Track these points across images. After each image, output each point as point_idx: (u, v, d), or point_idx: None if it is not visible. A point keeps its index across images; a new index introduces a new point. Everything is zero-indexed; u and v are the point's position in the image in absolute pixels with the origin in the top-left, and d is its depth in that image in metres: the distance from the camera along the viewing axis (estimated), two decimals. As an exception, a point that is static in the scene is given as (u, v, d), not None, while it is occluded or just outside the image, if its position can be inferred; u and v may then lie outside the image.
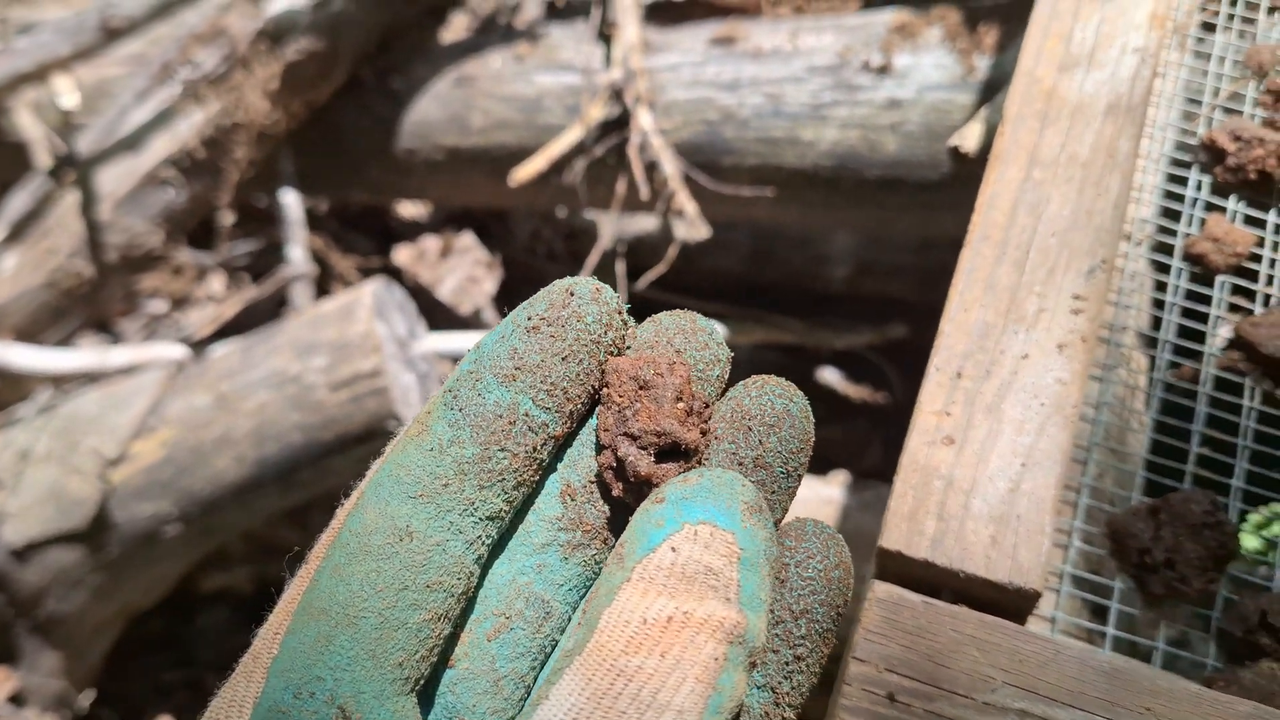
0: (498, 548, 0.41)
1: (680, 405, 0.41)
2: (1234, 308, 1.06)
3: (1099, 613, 0.92)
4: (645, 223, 2.41)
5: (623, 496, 0.41)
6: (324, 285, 2.02)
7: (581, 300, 0.41)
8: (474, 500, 0.39)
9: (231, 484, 1.62)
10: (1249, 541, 0.99)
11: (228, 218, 2.20)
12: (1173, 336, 1.03)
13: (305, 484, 1.63)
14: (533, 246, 2.42)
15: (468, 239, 2.12)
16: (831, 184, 1.71)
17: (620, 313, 0.42)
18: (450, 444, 0.39)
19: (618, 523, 0.42)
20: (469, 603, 0.40)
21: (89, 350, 1.73)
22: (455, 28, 2.01)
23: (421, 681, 0.38)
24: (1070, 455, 0.80)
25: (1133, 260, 1.04)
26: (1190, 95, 1.14)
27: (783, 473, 0.42)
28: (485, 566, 0.40)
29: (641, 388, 0.41)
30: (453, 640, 0.40)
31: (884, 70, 1.62)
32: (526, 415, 0.40)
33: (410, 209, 2.45)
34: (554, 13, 1.97)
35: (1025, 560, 0.76)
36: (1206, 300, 1.04)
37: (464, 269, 2.07)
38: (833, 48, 1.68)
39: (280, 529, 1.91)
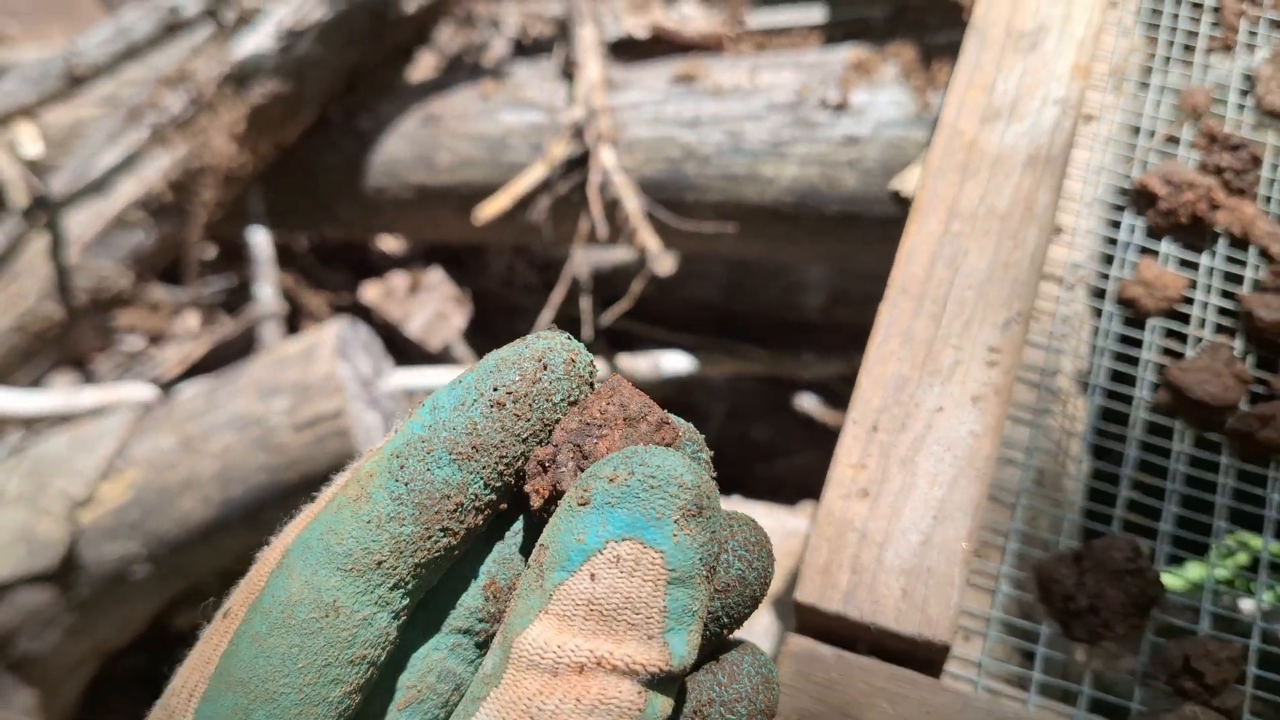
0: (416, 610, 0.40)
1: None
2: (1166, 351, 1.07)
3: (1030, 657, 0.93)
4: (622, 254, 2.43)
5: (532, 496, 0.39)
6: (295, 323, 2.04)
7: (553, 374, 0.39)
8: (405, 577, 0.37)
9: (198, 525, 1.63)
10: (1176, 582, 1.00)
11: (205, 254, 2.22)
12: (1104, 381, 1.04)
13: (271, 523, 1.63)
14: (509, 279, 2.44)
15: (436, 275, 2.14)
16: (793, 219, 1.72)
17: (590, 381, 0.40)
18: (390, 520, 0.37)
19: None
20: (387, 664, 0.39)
21: (58, 392, 1.75)
22: (423, 67, 2.03)
23: None
24: (981, 507, 0.81)
25: (1065, 304, 1.05)
26: (1126, 139, 1.15)
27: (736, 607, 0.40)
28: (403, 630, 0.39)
29: (627, 420, 0.38)
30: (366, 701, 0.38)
31: (841, 107, 1.64)
32: (475, 496, 0.38)
33: (390, 243, 2.47)
34: (521, 51, 2.00)
35: (935, 613, 0.77)
36: (1138, 344, 1.05)
37: (433, 305, 2.09)
38: (791, 85, 1.69)
39: (250, 567, 1.92)
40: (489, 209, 1.76)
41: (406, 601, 0.38)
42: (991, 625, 0.92)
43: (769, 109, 1.69)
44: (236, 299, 2.11)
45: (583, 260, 2.45)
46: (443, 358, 2.07)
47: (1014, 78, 0.96)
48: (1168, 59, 1.21)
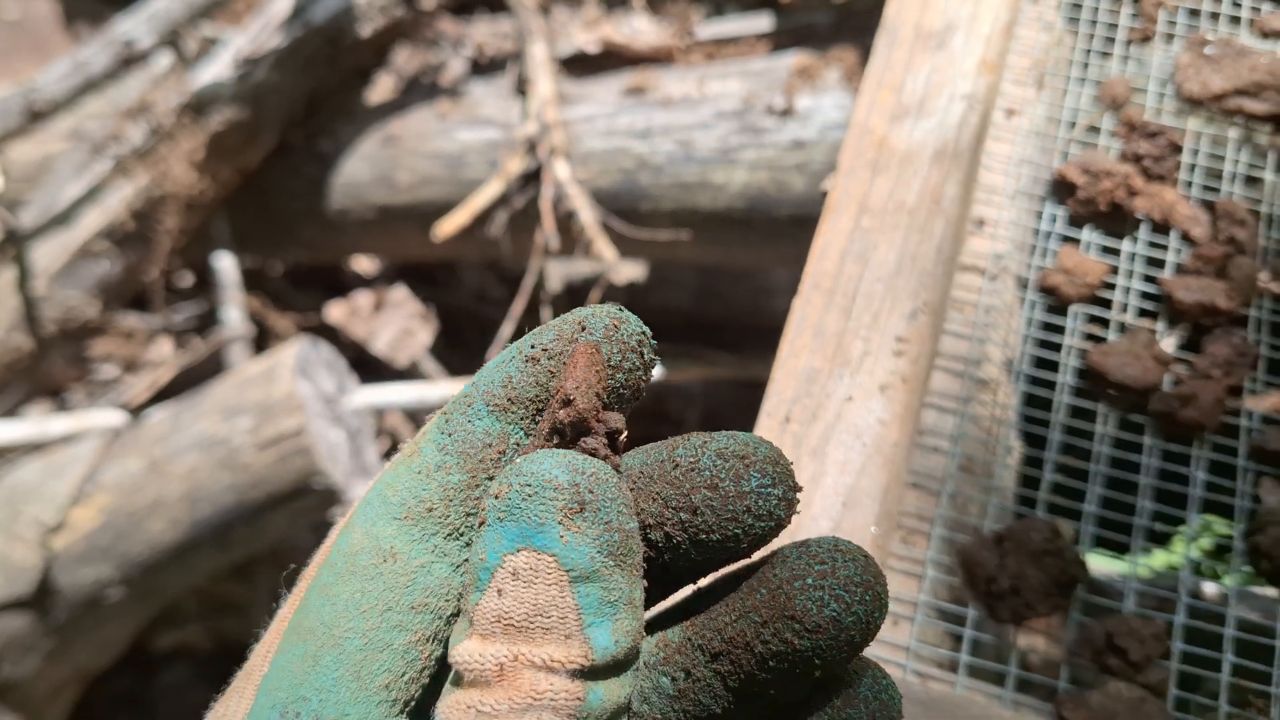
0: None
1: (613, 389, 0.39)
2: (1090, 337, 1.09)
3: (959, 640, 0.94)
4: (595, 264, 2.45)
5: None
6: (263, 344, 2.07)
7: (591, 336, 0.39)
8: (459, 526, 0.38)
9: (169, 546, 1.65)
10: (1100, 563, 1.01)
11: (181, 281, 2.24)
12: (1028, 367, 1.06)
13: (242, 542, 1.66)
14: (482, 294, 2.46)
15: (401, 292, 2.17)
16: (746, 224, 1.75)
17: (639, 350, 0.40)
18: (438, 469, 0.38)
19: None
20: None
21: (30, 421, 1.77)
22: (381, 88, 2.06)
23: (412, 704, 0.38)
24: (891, 493, 0.83)
25: (988, 295, 1.07)
26: (1049, 131, 1.18)
27: None
28: None
29: (588, 358, 0.38)
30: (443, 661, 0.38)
31: (787, 113, 1.67)
32: (517, 445, 0.39)
33: (364, 263, 2.50)
34: (477, 69, 2.03)
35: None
36: (1061, 330, 1.07)
37: (398, 322, 2.11)
38: (738, 93, 1.72)
39: (228, 584, 1.94)
40: (447, 226, 1.79)
41: (466, 555, 0.38)
42: (919, 610, 0.94)
43: (717, 117, 1.72)
44: (208, 323, 2.14)
45: (554, 272, 2.47)
46: (410, 374, 2.10)
47: (922, 75, 0.98)
48: (1088, 51, 1.23)
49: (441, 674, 0.38)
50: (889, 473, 0.82)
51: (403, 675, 0.37)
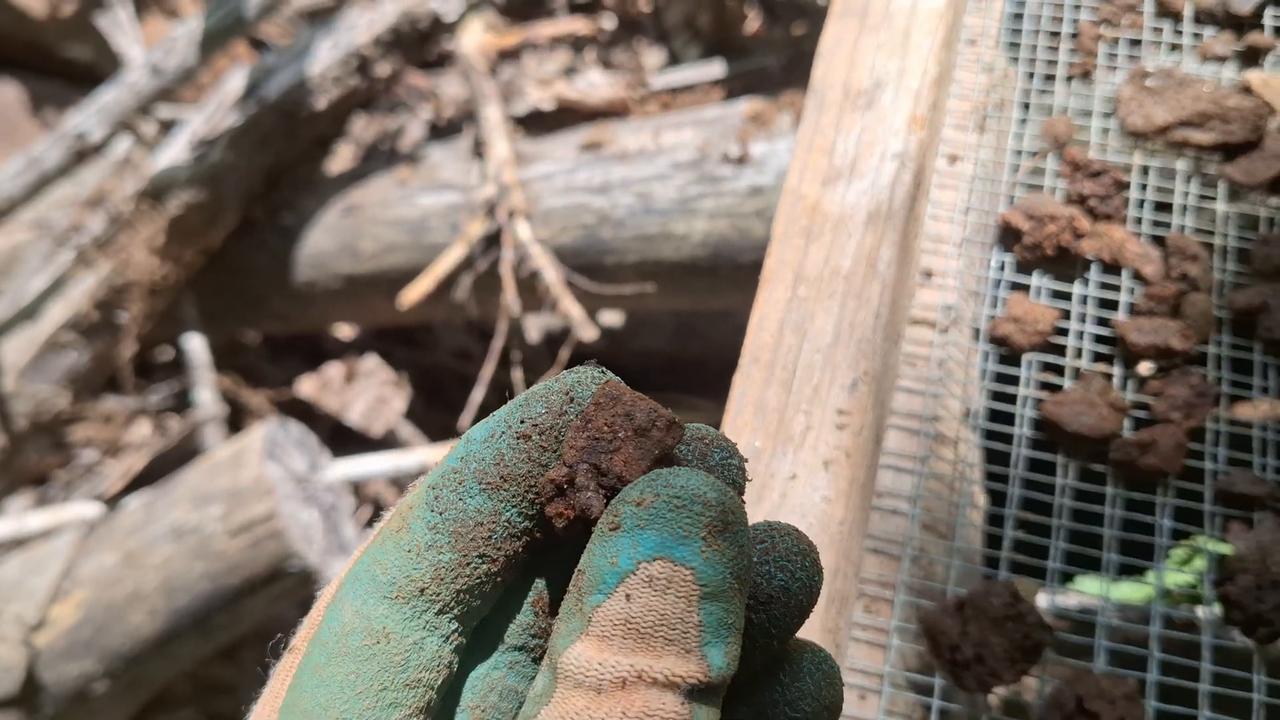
0: (475, 639, 0.41)
1: (659, 466, 0.39)
2: (1045, 385, 1.07)
3: (928, 710, 0.92)
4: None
5: (555, 520, 0.39)
6: (238, 422, 2.06)
7: (579, 407, 0.40)
8: (450, 603, 0.39)
9: (149, 637, 1.64)
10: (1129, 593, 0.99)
11: (160, 358, 2.24)
12: (985, 421, 1.04)
13: (223, 628, 1.65)
14: (462, 351, 2.46)
15: (372, 361, 2.16)
16: (711, 272, 1.74)
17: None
18: (428, 548, 0.39)
19: None
20: (451, 688, 0.40)
21: (7, 518, 1.76)
22: (341, 157, 2.06)
23: None
24: (841, 573, 0.81)
25: (940, 348, 1.06)
26: (993, 175, 1.16)
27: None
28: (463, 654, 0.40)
29: (636, 431, 0.39)
30: None
31: (743, 160, 1.66)
32: (508, 523, 0.39)
33: (344, 329, 2.50)
34: (435, 132, 2.03)
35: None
36: (1016, 381, 1.05)
37: (371, 391, 2.11)
38: (693, 142, 1.72)
39: (216, 667, 1.93)
40: (412, 294, 1.78)
41: (456, 626, 0.39)
42: (885, 681, 0.91)
43: (674, 168, 1.71)
44: (185, 402, 2.14)
45: (532, 324, 2.47)
46: (387, 442, 2.08)
47: (853, 136, 0.97)
48: (1029, 90, 1.22)
49: None
50: (836, 552, 0.80)
51: None
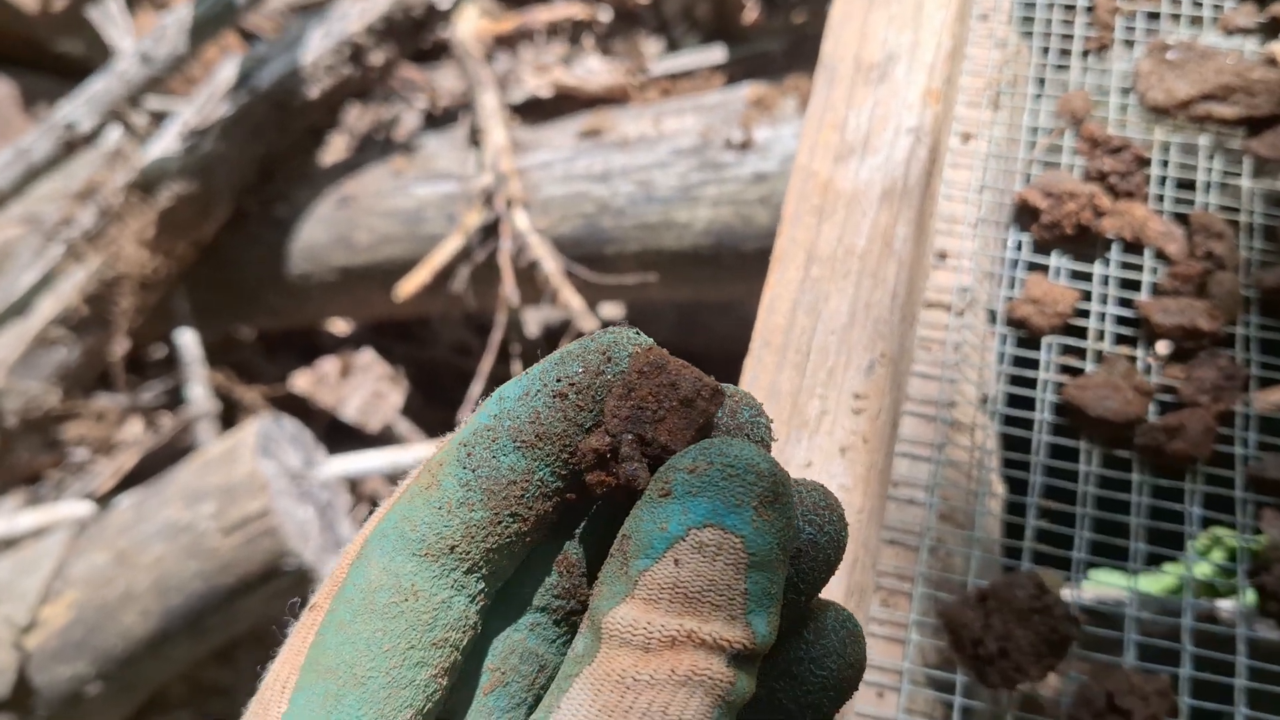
0: (496, 600, 0.40)
1: (702, 435, 0.38)
2: (1065, 369, 1.03)
3: (950, 708, 0.88)
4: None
5: (596, 487, 0.38)
6: (232, 419, 2.02)
7: (617, 367, 0.39)
8: (479, 561, 0.38)
9: (142, 638, 1.60)
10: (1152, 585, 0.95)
11: (151, 355, 2.20)
12: (1004, 406, 1.00)
13: (217, 628, 1.61)
14: (460, 345, 2.42)
15: (367, 356, 2.12)
16: (713, 260, 1.70)
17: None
18: (460, 505, 0.38)
19: None
20: (474, 650, 0.40)
21: (-4, 517, 1.73)
22: (335, 148, 2.02)
23: None
24: (859, 565, 0.77)
25: (956, 331, 1.02)
26: (1008, 153, 1.12)
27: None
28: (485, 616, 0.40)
29: (682, 401, 0.38)
30: (453, 688, 0.39)
31: (746, 146, 1.62)
32: (541, 482, 0.39)
33: (339, 324, 2.46)
34: (431, 121, 1.99)
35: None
36: (1035, 364, 1.01)
37: (367, 386, 2.07)
38: (695, 129, 1.68)
39: (211, 669, 1.89)
40: (408, 286, 1.74)
41: (483, 586, 0.39)
42: (904, 678, 0.87)
43: (675, 155, 1.67)
44: (178, 399, 2.10)
45: (531, 317, 2.43)
46: (384, 438, 2.05)
47: (866, 111, 0.93)
48: (1044, 65, 1.18)
49: (448, 698, 0.39)
50: (854, 542, 0.76)
51: (422, 709, 0.37)
